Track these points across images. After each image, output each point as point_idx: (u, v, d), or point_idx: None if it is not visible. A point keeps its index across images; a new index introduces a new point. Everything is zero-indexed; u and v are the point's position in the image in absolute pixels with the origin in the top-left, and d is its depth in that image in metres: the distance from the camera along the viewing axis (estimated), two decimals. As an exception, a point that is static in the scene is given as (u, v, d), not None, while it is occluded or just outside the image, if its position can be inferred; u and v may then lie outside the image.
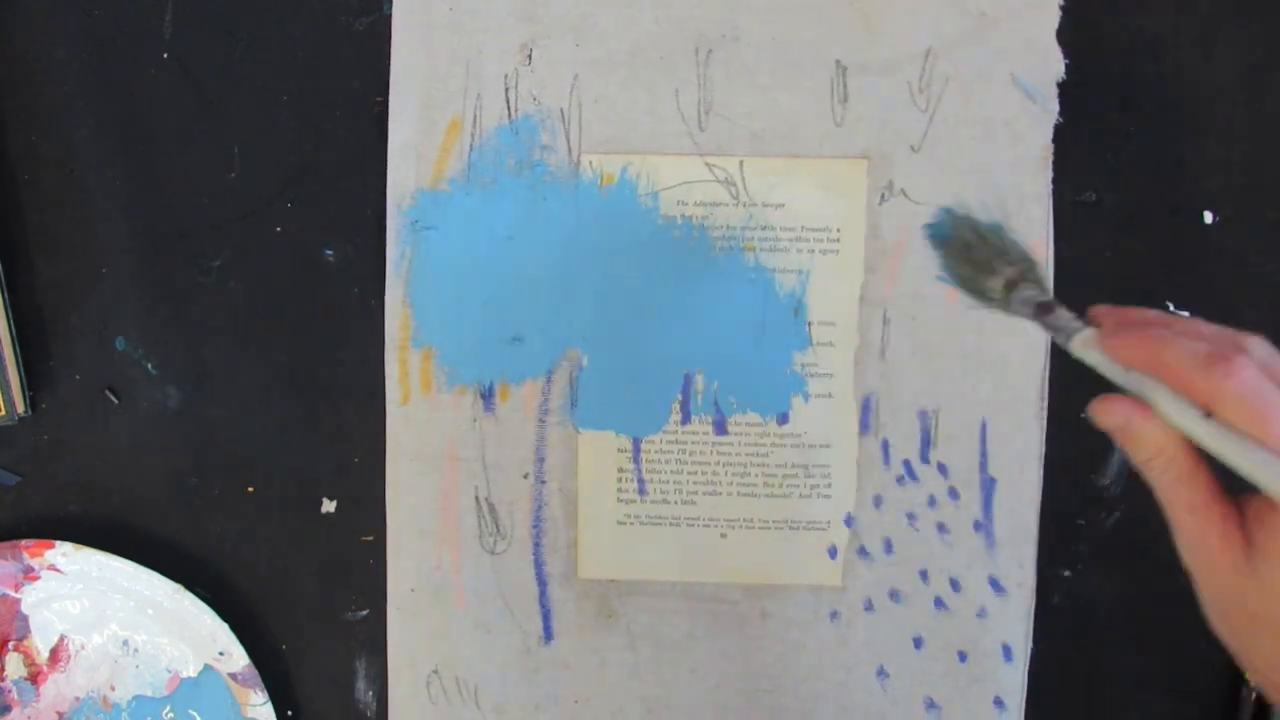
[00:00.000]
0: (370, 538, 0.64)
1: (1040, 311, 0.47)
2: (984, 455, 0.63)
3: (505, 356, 0.63)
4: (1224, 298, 0.63)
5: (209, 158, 0.62)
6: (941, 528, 0.63)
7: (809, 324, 0.62)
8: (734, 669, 0.65)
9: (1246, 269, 0.63)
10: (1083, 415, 0.45)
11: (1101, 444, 0.63)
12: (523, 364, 0.63)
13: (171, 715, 0.64)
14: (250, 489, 0.64)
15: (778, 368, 0.63)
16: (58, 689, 0.64)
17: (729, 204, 0.62)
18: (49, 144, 0.62)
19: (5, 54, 0.61)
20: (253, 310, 0.63)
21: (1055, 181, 0.62)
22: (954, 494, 0.63)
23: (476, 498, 0.64)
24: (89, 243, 0.62)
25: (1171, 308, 0.63)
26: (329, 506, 0.64)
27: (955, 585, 0.64)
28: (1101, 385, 0.61)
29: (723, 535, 0.64)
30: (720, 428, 0.63)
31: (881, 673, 0.65)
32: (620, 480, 0.64)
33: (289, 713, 0.66)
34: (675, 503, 0.64)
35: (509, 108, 0.62)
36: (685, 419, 0.63)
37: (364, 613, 0.65)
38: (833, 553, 0.64)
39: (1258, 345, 0.43)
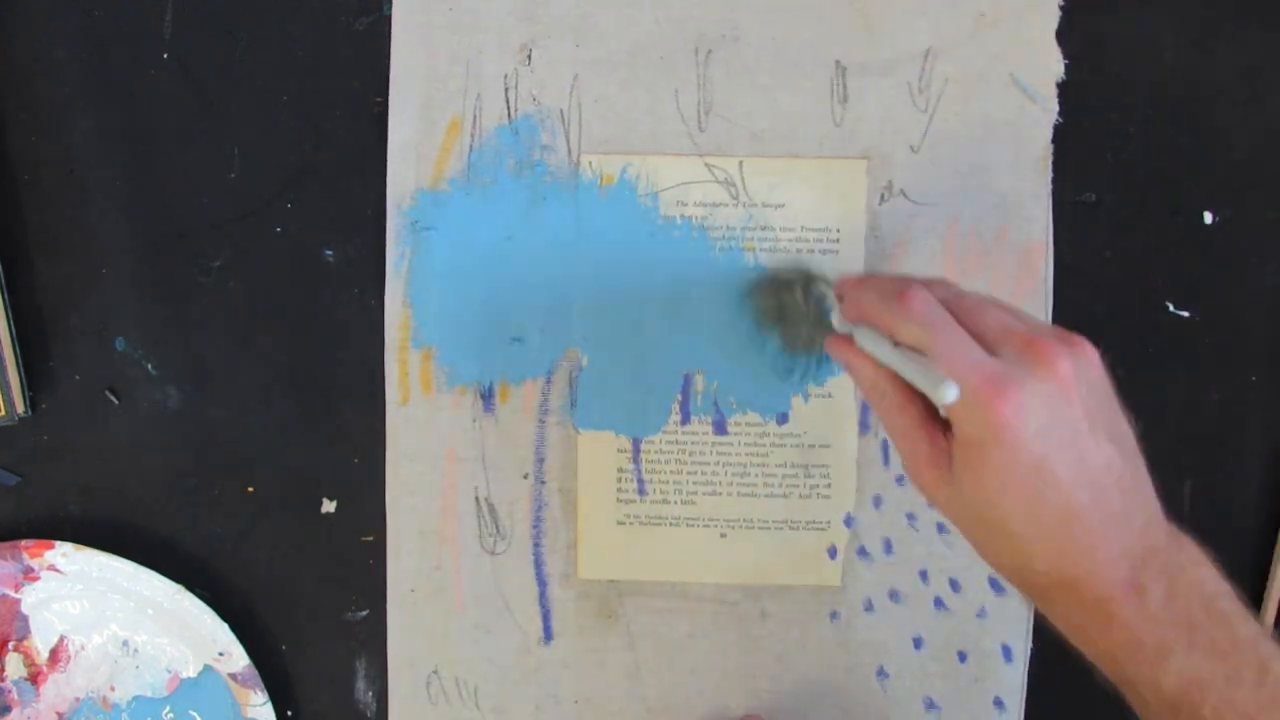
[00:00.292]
0: (370, 538, 0.64)
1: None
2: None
3: (505, 356, 0.63)
4: (1224, 298, 0.63)
5: (209, 158, 0.62)
6: (941, 528, 0.63)
7: (808, 324, 0.63)
8: (734, 669, 0.65)
9: (1246, 269, 0.63)
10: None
11: (1101, 444, 0.63)
12: (523, 364, 0.63)
13: (171, 715, 0.64)
14: (250, 489, 0.64)
15: (772, 366, 0.63)
16: (57, 689, 0.64)
17: (729, 204, 0.62)
18: (49, 144, 0.62)
19: (5, 54, 0.61)
20: (253, 310, 0.63)
21: (1055, 181, 0.62)
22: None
23: (476, 498, 0.64)
24: (89, 243, 0.62)
25: (1171, 308, 0.63)
26: (329, 506, 0.64)
27: (955, 585, 0.64)
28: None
29: (722, 535, 0.64)
30: (720, 428, 0.63)
31: (881, 673, 0.65)
32: (620, 480, 0.64)
33: (289, 713, 0.66)
34: (675, 503, 0.64)
35: (509, 108, 0.62)
36: (685, 419, 0.63)
37: (364, 613, 0.65)
38: (832, 553, 0.64)
39: (943, 282, 0.52)
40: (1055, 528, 0.46)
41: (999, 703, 0.64)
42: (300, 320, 0.63)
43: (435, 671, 0.65)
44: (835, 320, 0.55)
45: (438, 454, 0.64)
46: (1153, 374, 0.63)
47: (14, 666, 0.64)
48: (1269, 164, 0.63)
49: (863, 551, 0.64)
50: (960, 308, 0.50)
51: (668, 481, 0.64)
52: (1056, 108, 0.61)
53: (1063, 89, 0.61)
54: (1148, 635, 0.46)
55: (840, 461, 0.63)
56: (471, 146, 0.62)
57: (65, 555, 0.62)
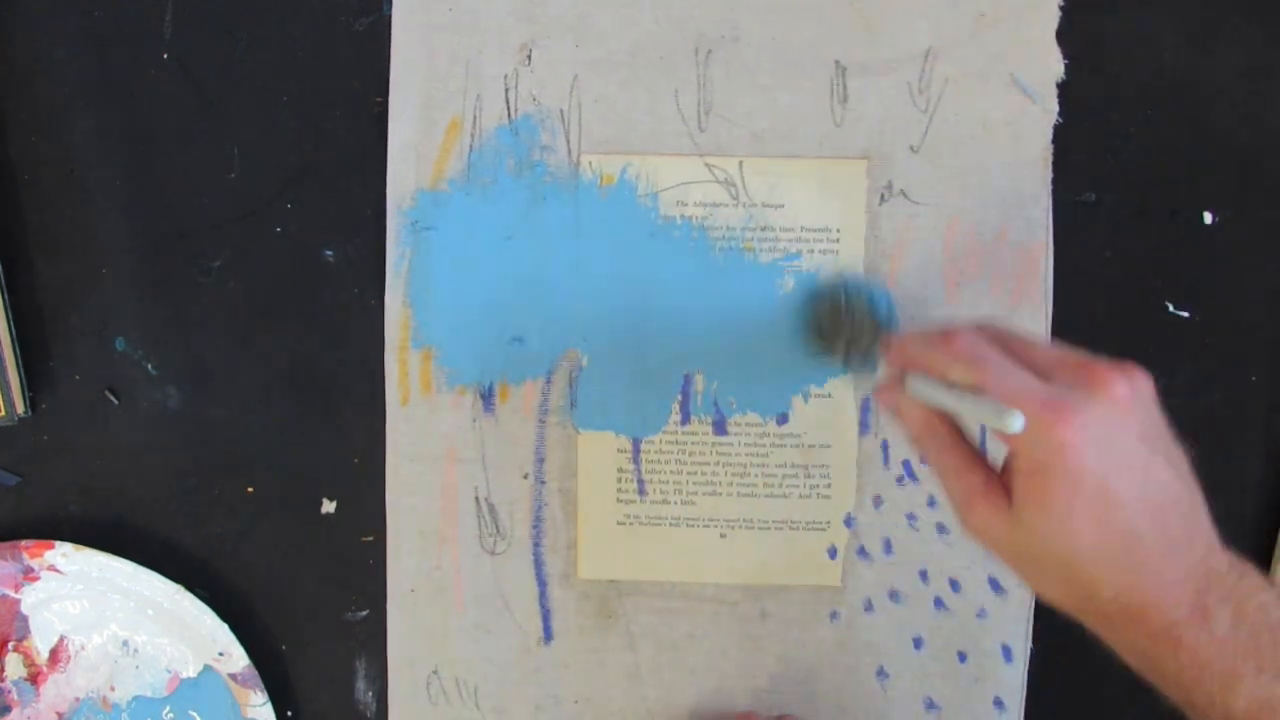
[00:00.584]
0: (370, 538, 0.64)
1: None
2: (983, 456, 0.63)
3: (505, 357, 0.63)
4: (1224, 298, 0.63)
5: (209, 158, 0.62)
6: (941, 528, 0.63)
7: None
8: (734, 669, 0.65)
9: (1246, 269, 0.63)
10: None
11: (1101, 444, 0.63)
12: (523, 364, 0.63)
13: (171, 715, 0.64)
14: (250, 489, 0.64)
15: (778, 368, 0.63)
16: (57, 689, 0.64)
17: (729, 204, 0.62)
18: (49, 144, 0.62)
19: (5, 54, 0.61)
20: (253, 310, 0.63)
21: (1055, 181, 0.62)
22: None
23: (476, 498, 0.64)
24: (89, 243, 0.62)
25: (1171, 308, 0.63)
26: (329, 506, 0.64)
27: (955, 586, 0.64)
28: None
29: (722, 535, 0.64)
30: (720, 428, 0.63)
31: (881, 673, 0.65)
32: (620, 480, 0.64)
33: (289, 713, 0.66)
34: (675, 503, 0.64)
35: (509, 108, 0.62)
36: (685, 419, 0.63)
37: (364, 613, 0.65)
38: (832, 553, 0.64)
39: (985, 326, 0.52)
40: (1121, 553, 0.46)
41: (999, 703, 0.64)
42: (300, 320, 0.63)
43: (435, 671, 0.65)
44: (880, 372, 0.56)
45: (438, 454, 0.64)
46: (1153, 374, 0.63)
47: (14, 666, 0.64)
48: (1269, 164, 0.63)
49: (863, 551, 0.64)
50: (1007, 344, 0.50)
51: (668, 482, 0.64)
52: (1056, 108, 0.61)
53: (1063, 89, 0.61)
54: (1216, 660, 0.46)
55: (840, 462, 0.63)
56: (471, 146, 0.62)
57: (65, 555, 0.62)
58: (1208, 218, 0.63)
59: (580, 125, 0.62)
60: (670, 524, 0.64)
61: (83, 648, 0.64)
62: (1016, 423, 0.46)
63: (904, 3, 0.61)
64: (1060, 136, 0.61)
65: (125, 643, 0.64)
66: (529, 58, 0.62)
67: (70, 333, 0.63)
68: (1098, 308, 0.63)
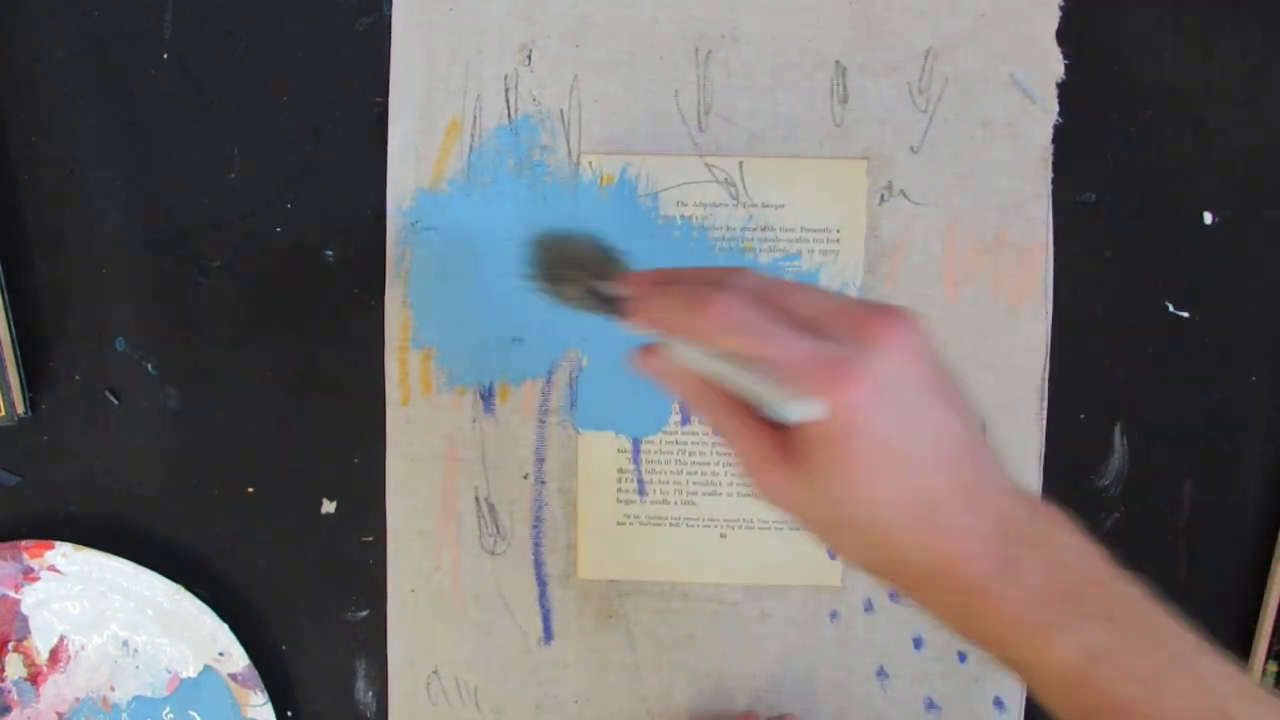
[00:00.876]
0: (370, 538, 0.64)
1: (599, 305, 0.51)
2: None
3: (505, 357, 0.63)
4: (1224, 298, 0.63)
5: (209, 158, 0.62)
6: (941, 528, 0.63)
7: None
8: (734, 669, 0.65)
9: (1246, 269, 0.63)
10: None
11: (1101, 444, 0.63)
12: (522, 364, 0.63)
13: (171, 716, 0.64)
14: (250, 489, 0.64)
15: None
16: (57, 689, 0.64)
17: (729, 204, 0.62)
18: (49, 144, 0.62)
19: (5, 54, 0.61)
20: (253, 310, 0.63)
21: (1055, 181, 0.62)
22: None
23: (476, 498, 0.64)
24: (89, 243, 0.62)
25: (1171, 308, 0.63)
26: (329, 506, 0.64)
27: (955, 585, 0.64)
28: (1090, 381, 0.62)
29: (722, 535, 0.64)
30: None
31: (881, 673, 0.65)
32: (620, 481, 0.64)
33: (289, 713, 0.66)
34: (675, 503, 0.64)
35: (509, 108, 0.62)
36: (685, 419, 0.63)
37: (364, 613, 0.65)
38: (832, 553, 0.64)
39: (745, 276, 0.47)
40: (921, 511, 0.44)
41: (999, 703, 0.64)
42: (300, 320, 0.63)
43: (435, 672, 0.65)
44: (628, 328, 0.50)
45: (438, 454, 0.64)
46: (1153, 374, 0.63)
47: (14, 667, 0.64)
48: (1269, 164, 0.63)
49: (862, 551, 0.64)
50: (772, 298, 0.46)
51: (668, 482, 0.64)
52: (1056, 108, 0.61)
53: (1062, 89, 0.61)
54: (1031, 612, 0.43)
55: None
56: (471, 147, 0.62)
57: (65, 555, 0.62)
58: (1208, 218, 0.63)
59: (580, 125, 0.62)
60: (670, 524, 0.64)
61: (83, 648, 0.64)
62: (811, 410, 0.44)
63: (904, 3, 0.61)
64: (1060, 136, 0.62)
65: (125, 643, 0.64)
66: (529, 58, 0.62)
67: (70, 333, 0.63)
68: (1098, 308, 0.63)
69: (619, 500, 0.64)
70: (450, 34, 0.62)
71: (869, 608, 0.64)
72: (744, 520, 0.64)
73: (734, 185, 0.62)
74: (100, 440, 0.64)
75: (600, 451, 0.64)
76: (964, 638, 0.46)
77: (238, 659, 0.63)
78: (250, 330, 0.63)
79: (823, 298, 0.47)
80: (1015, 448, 0.63)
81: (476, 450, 0.64)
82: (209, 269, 0.63)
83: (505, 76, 0.62)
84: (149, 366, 0.63)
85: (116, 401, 0.64)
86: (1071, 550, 0.45)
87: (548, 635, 0.65)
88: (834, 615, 0.64)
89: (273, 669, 0.65)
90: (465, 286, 0.63)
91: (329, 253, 0.63)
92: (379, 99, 0.62)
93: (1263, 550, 0.64)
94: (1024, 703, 0.64)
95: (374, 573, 0.64)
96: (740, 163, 0.62)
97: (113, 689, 0.64)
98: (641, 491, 0.64)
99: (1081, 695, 0.43)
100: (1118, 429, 0.63)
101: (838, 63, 0.62)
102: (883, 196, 0.62)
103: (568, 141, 0.62)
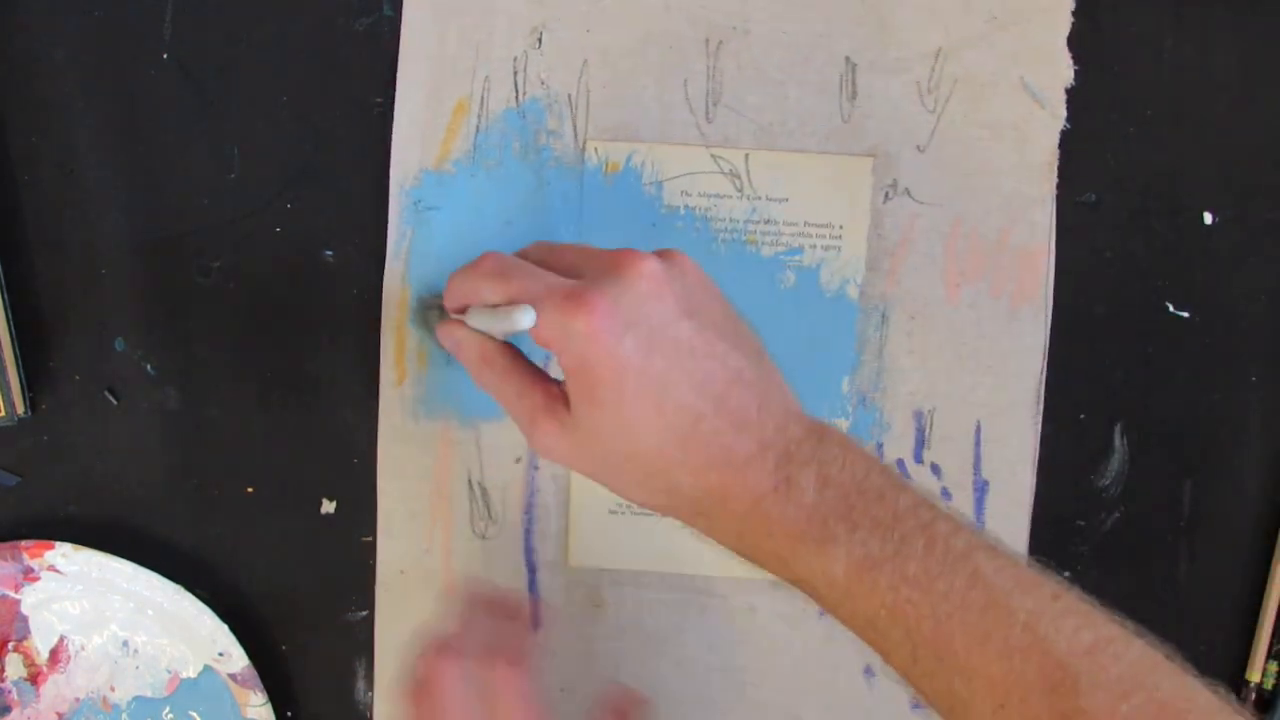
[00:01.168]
0: (370, 538, 0.64)
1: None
2: (978, 457, 0.63)
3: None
4: (1224, 298, 0.63)
5: (209, 158, 0.62)
6: (938, 528, 0.63)
7: (808, 320, 0.62)
8: (720, 663, 0.65)
9: (1246, 269, 0.63)
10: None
11: (1101, 444, 0.64)
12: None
13: (171, 716, 0.64)
14: (250, 489, 0.64)
15: (776, 362, 0.63)
16: (57, 690, 0.64)
17: (733, 196, 0.62)
18: (49, 144, 0.62)
19: (5, 54, 0.61)
20: (253, 310, 0.63)
21: (1057, 183, 0.62)
22: (947, 495, 0.63)
23: (469, 481, 0.64)
24: (89, 243, 0.62)
25: (1171, 308, 0.63)
26: (329, 506, 0.64)
27: (949, 584, 0.64)
28: (1090, 381, 0.62)
29: (715, 528, 0.64)
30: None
31: (868, 671, 0.65)
32: (613, 469, 0.64)
33: (289, 713, 0.66)
34: (669, 494, 0.64)
35: (517, 91, 0.62)
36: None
37: (364, 613, 0.65)
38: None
39: (534, 246, 0.52)
40: (686, 435, 0.45)
41: (991, 703, 0.64)
42: (300, 320, 0.63)
43: (422, 654, 0.65)
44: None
45: (431, 436, 0.64)
46: (1153, 374, 0.63)
47: (14, 667, 0.64)
48: (1269, 164, 0.63)
49: (856, 549, 0.64)
50: (549, 255, 0.50)
51: (662, 473, 0.64)
52: (1064, 113, 0.61)
53: (1065, 89, 0.61)
54: (808, 527, 0.44)
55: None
56: (478, 128, 0.62)
57: (65, 555, 0.62)
58: (1208, 218, 0.63)
59: (588, 111, 0.62)
60: (662, 514, 0.64)
61: (83, 648, 0.64)
62: (526, 318, 0.45)
63: (916, 2, 0.61)
64: (1060, 136, 0.61)
65: (125, 643, 0.64)
66: (539, 41, 0.62)
67: (70, 333, 0.63)
68: (1098, 308, 0.63)
69: (612, 488, 0.64)
70: (461, 15, 0.61)
71: (861, 605, 0.64)
72: (738, 515, 0.64)
73: (739, 177, 0.62)
74: (100, 440, 0.64)
75: (595, 439, 0.64)
76: (745, 559, 0.47)
77: (238, 659, 0.63)
78: (250, 330, 0.63)
79: (586, 250, 0.49)
80: (1012, 449, 0.63)
81: (470, 432, 0.64)
82: (209, 269, 0.63)
83: (514, 59, 0.62)
84: (149, 366, 0.63)
85: (116, 401, 0.63)
86: (848, 466, 0.45)
87: (535, 622, 0.65)
88: (822, 612, 0.64)
89: (273, 669, 0.65)
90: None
91: (329, 253, 0.63)
92: (379, 99, 0.62)
93: (1263, 550, 0.64)
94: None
95: (374, 573, 0.64)
96: (746, 155, 0.62)
97: (113, 689, 0.64)
98: (634, 480, 0.64)
99: (856, 603, 0.44)
100: (1118, 429, 0.64)
101: (848, 59, 0.62)
102: (887, 194, 0.62)
103: (574, 126, 0.62)
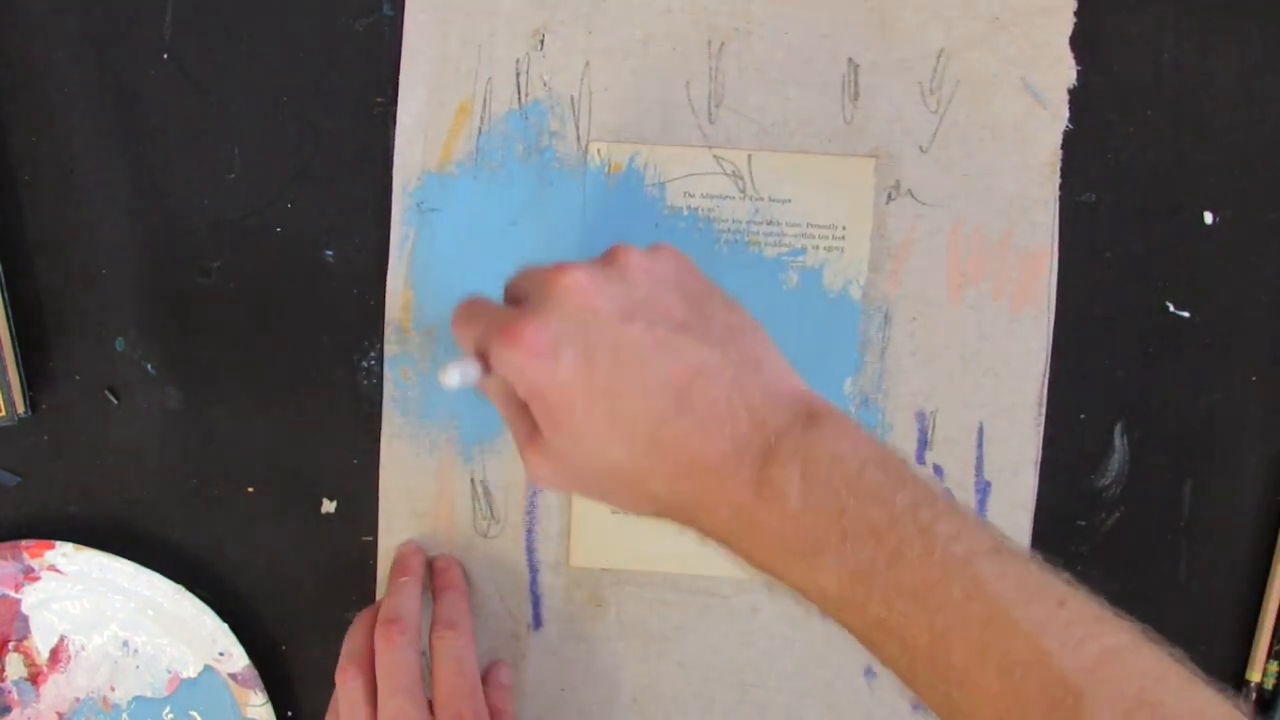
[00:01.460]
0: (370, 538, 0.64)
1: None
2: (980, 458, 0.63)
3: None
4: (1224, 298, 0.63)
5: (209, 158, 0.62)
6: (938, 528, 0.63)
7: (811, 320, 0.62)
8: (722, 663, 0.65)
9: (1246, 269, 0.63)
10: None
11: (1101, 444, 0.64)
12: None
13: (171, 716, 0.64)
14: (250, 489, 0.64)
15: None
16: (58, 689, 0.64)
17: (735, 197, 0.62)
18: (49, 144, 0.62)
19: (5, 54, 0.61)
20: (253, 310, 0.63)
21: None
22: (948, 496, 0.63)
23: (472, 480, 0.64)
24: (89, 243, 0.62)
25: (1171, 308, 0.63)
26: (329, 506, 0.64)
27: (949, 585, 0.64)
28: (1090, 381, 0.62)
29: (716, 528, 0.64)
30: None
31: (869, 672, 0.65)
32: (616, 469, 0.64)
33: (289, 713, 0.66)
34: (670, 494, 0.64)
35: (519, 93, 0.62)
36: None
37: (364, 613, 0.65)
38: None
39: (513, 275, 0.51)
40: (651, 443, 0.43)
41: (990, 704, 0.64)
42: (300, 320, 0.63)
43: (423, 653, 0.65)
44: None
45: (433, 435, 0.63)
46: (1153, 374, 0.63)
47: (14, 667, 0.64)
48: (1269, 164, 0.63)
49: (858, 549, 0.64)
50: (512, 284, 0.49)
51: (664, 473, 0.64)
52: (1067, 114, 0.61)
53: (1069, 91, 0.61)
54: (794, 537, 0.41)
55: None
56: (480, 130, 0.62)
57: (65, 555, 0.62)
58: (1208, 218, 0.63)
59: (590, 112, 0.62)
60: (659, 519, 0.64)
61: (83, 648, 0.64)
62: (468, 373, 0.46)
63: (918, 2, 0.61)
64: (1061, 137, 0.62)
65: (125, 643, 0.64)
66: (541, 43, 0.62)
67: (70, 333, 0.63)
68: (1098, 308, 0.63)
69: (614, 488, 0.64)
70: (463, 16, 0.61)
71: (862, 605, 0.64)
72: (739, 515, 0.64)
73: (741, 178, 0.62)
74: (100, 440, 0.64)
75: (597, 439, 0.63)
76: (747, 565, 0.45)
77: (238, 659, 0.63)
78: (250, 330, 0.63)
79: (530, 272, 0.48)
80: (1013, 451, 0.63)
81: (472, 432, 0.64)
82: (209, 269, 0.63)
83: (517, 61, 0.62)
84: (149, 366, 0.63)
85: (116, 401, 0.63)
86: (839, 462, 0.42)
87: (537, 622, 0.65)
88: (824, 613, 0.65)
89: (273, 669, 0.65)
90: (469, 269, 0.62)
91: (329, 253, 0.63)
92: (379, 99, 0.62)
93: (1263, 550, 0.64)
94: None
95: (374, 573, 0.64)
96: (749, 156, 0.62)
97: (113, 689, 0.64)
98: (636, 480, 0.64)
99: (849, 615, 0.42)
100: (1118, 429, 0.64)
101: (850, 60, 0.62)
102: (890, 195, 0.62)
103: (577, 128, 0.62)
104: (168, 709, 0.64)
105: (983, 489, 0.63)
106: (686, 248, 0.61)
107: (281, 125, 0.62)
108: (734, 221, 0.62)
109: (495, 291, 0.61)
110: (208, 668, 0.64)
